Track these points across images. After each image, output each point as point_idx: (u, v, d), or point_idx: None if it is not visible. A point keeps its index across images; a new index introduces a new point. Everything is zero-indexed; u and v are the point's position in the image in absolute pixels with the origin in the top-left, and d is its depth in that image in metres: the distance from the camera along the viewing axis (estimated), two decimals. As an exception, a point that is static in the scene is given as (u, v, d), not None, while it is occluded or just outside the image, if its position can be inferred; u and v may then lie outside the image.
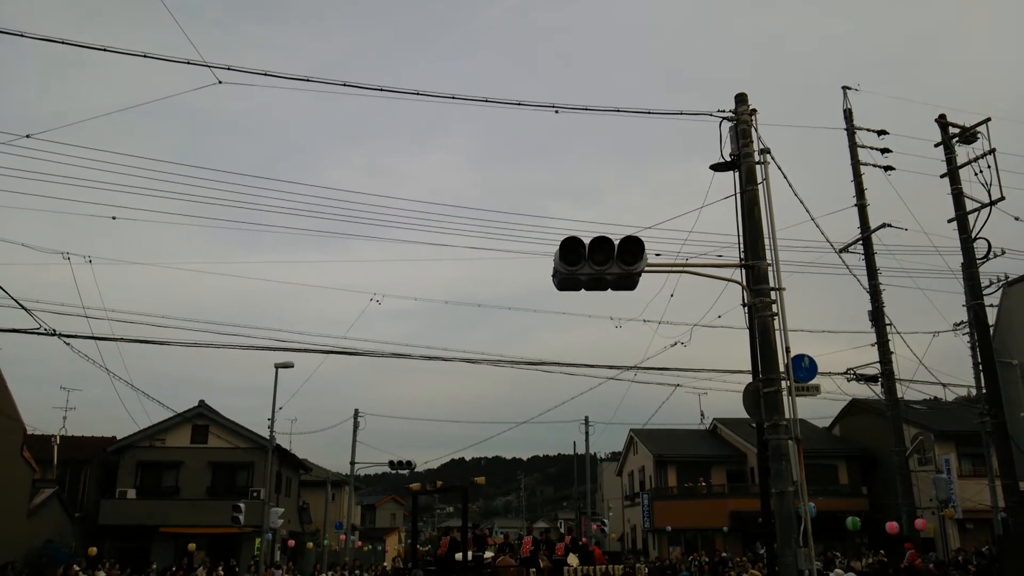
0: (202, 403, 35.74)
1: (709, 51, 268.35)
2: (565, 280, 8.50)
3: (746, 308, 9.32)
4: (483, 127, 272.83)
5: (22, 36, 8.54)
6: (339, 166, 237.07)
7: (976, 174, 16.07)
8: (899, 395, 17.99)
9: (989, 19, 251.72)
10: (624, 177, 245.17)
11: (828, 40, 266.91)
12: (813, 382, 10.53)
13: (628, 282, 8.58)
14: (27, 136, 11.99)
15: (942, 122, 16.89)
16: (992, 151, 15.88)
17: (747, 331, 9.64)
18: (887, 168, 18.42)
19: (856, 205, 18.49)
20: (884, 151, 18.41)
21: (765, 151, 9.42)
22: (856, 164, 18.53)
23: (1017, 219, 16.72)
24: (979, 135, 16.19)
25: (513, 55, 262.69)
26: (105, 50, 9.06)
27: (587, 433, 43.02)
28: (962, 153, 16.46)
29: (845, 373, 18.22)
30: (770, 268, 9.04)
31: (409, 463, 35.06)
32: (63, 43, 8.71)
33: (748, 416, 9.43)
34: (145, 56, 9.09)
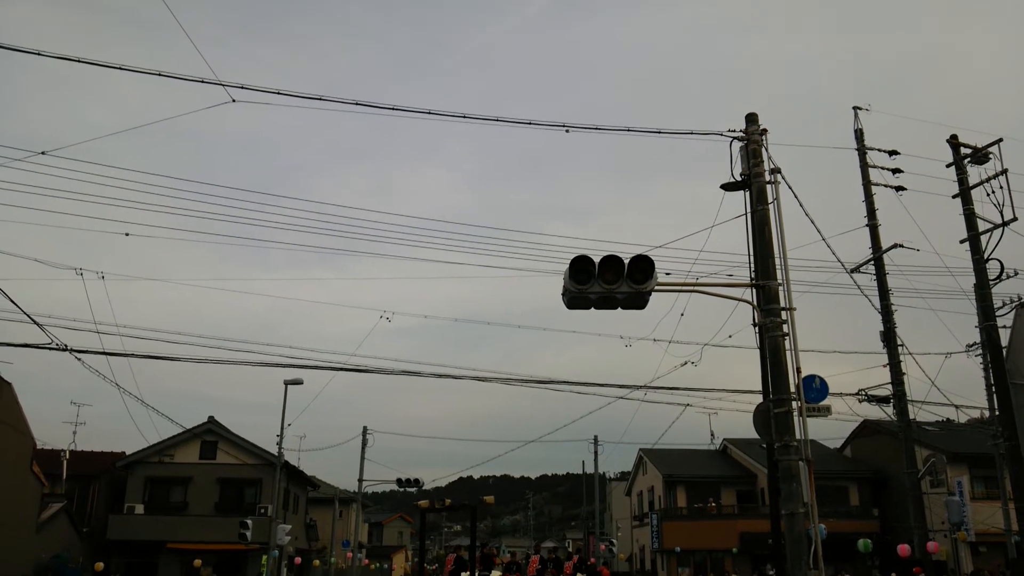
0: (211, 419, 35.79)
1: (706, 73, 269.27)
2: (575, 298, 8.50)
3: (757, 328, 9.28)
4: (480, 147, 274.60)
5: (39, 55, 8.64)
6: (337, 184, 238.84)
7: (988, 194, 16.00)
8: (911, 416, 17.84)
9: (991, 40, 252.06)
10: (625, 196, 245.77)
11: (830, 61, 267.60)
12: (824, 403, 10.46)
13: (638, 301, 8.57)
14: (43, 153, 12.10)
15: (954, 142, 16.85)
16: (1004, 171, 15.82)
17: (758, 351, 9.60)
18: (898, 188, 18.37)
19: (867, 225, 18.44)
20: (895, 171, 18.37)
21: (776, 171, 9.41)
22: (867, 184, 18.49)
23: (1029, 240, 16.62)
24: (991, 155, 16.13)
25: (505, 77, 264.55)
26: (121, 68, 9.17)
27: (596, 452, 42.83)
28: (974, 173, 16.41)
29: (856, 394, 18.09)
30: (781, 288, 9.01)
31: (417, 481, 35.00)
32: (79, 61, 8.81)
33: (758, 436, 9.38)
34: (160, 75, 9.19)
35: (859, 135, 18.70)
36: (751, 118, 9.64)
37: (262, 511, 33.30)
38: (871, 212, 18.44)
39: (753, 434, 9.67)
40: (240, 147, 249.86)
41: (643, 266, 8.32)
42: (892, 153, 18.45)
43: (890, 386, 17.58)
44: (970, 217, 16.19)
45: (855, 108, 18.71)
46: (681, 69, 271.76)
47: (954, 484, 25.13)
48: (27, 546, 25.73)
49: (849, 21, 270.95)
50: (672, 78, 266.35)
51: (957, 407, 20.26)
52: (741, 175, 9.60)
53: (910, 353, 17.63)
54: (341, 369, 18.20)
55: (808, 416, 8.92)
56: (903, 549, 21.02)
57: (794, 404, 8.65)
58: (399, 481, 35.21)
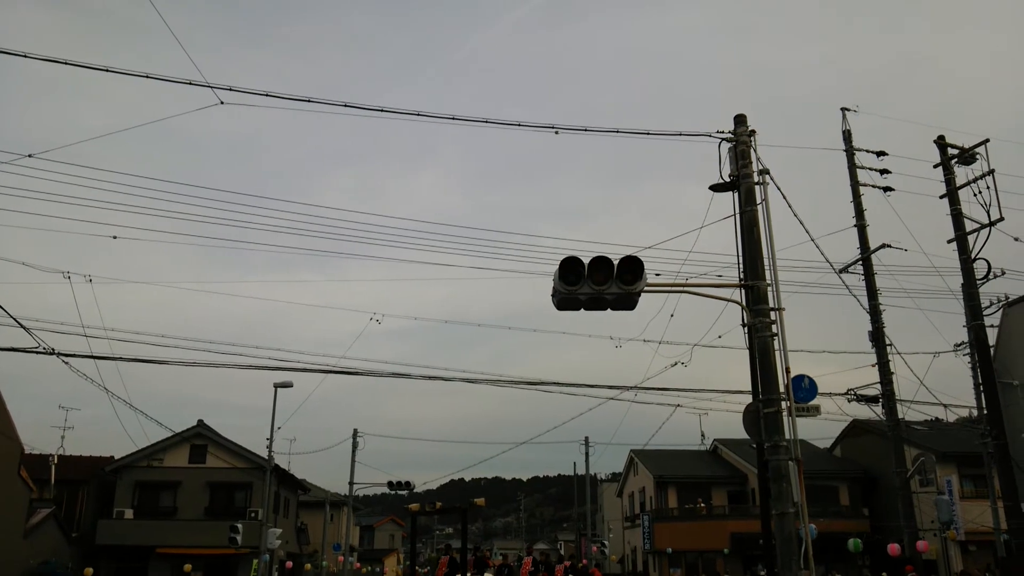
0: (201, 423, 35.63)
1: (698, 75, 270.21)
2: (564, 300, 8.50)
3: (746, 328, 9.30)
4: (471, 149, 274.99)
5: (25, 56, 8.59)
6: (327, 187, 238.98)
7: (975, 195, 16.11)
8: (900, 416, 17.92)
9: (980, 42, 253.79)
10: (616, 198, 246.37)
11: (821, 64, 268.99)
12: (813, 402, 10.49)
13: (628, 302, 8.58)
14: (29, 156, 12.03)
15: (941, 143, 16.96)
16: (991, 172, 15.93)
17: (747, 351, 9.62)
18: (886, 189, 18.46)
19: (856, 226, 18.51)
20: (883, 172, 18.46)
21: (764, 172, 9.44)
22: (855, 185, 18.56)
23: (1017, 239, 16.74)
24: (978, 156, 16.24)
25: (498, 80, 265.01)
26: (108, 70, 9.12)
27: (587, 454, 42.90)
28: (961, 174, 16.51)
29: (845, 394, 18.15)
30: (770, 288, 9.03)
31: (408, 483, 34.99)
32: (66, 63, 8.76)
33: (748, 437, 9.40)
34: (147, 77, 9.15)
35: (847, 136, 18.78)
36: (739, 119, 9.67)
37: (252, 515, 33.18)
38: (859, 212, 18.51)
39: (743, 434, 9.69)
40: (229, 150, 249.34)
41: (632, 267, 8.32)
42: (880, 154, 18.53)
43: (879, 386, 17.65)
44: (957, 217, 16.30)
45: (843, 109, 18.79)
46: (673, 71, 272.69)
47: (943, 483, 25.24)
48: (15, 552, 25.55)
49: (841, 23, 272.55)
50: (664, 80, 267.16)
51: (946, 406, 20.33)
52: (730, 176, 9.63)
53: (899, 353, 17.71)
54: (331, 371, 18.14)
55: (797, 416, 8.95)
56: (893, 548, 21.08)
57: (783, 404, 8.67)
58: (390, 484, 35.20)
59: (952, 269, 16.60)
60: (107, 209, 14.63)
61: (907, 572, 19.66)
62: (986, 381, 15.84)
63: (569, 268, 8.30)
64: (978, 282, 15.91)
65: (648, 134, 10.37)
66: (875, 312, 17.91)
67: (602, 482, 61.77)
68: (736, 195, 9.55)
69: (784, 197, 10.18)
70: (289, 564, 38.03)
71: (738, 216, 9.49)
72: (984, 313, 16.17)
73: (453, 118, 10.36)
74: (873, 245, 18.14)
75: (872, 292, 18.04)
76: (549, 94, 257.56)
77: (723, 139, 9.68)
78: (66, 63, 8.78)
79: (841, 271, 17.95)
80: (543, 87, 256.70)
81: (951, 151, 16.72)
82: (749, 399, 9.61)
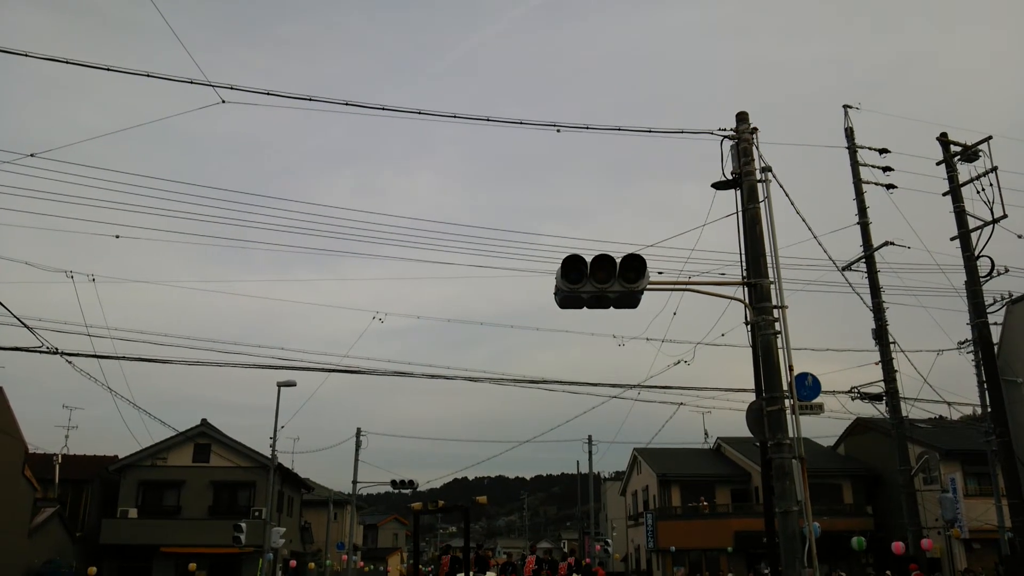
0: (204, 422, 35.66)
1: (697, 78, 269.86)
2: (567, 298, 8.50)
3: (749, 326, 9.29)
4: (472, 149, 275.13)
5: (26, 55, 8.59)
6: (328, 186, 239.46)
7: (978, 192, 16.07)
8: (904, 414, 17.88)
9: (982, 40, 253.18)
10: (618, 197, 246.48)
11: (818, 63, 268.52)
12: (816, 400, 10.46)
13: (630, 300, 8.57)
14: (31, 155, 12.04)
15: (944, 140, 16.91)
16: (994, 169, 15.88)
17: (750, 349, 9.60)
18: (889, 186, 18.41)
19: (858, 223, 18.47)
20: (886, 169, 18.41)
21: (767, 169, 9.42)
22: (858, 182, 18.52)
23: (1020, 237, 16.68)
24: (981, 153, 16.19)
25: (496, 80, 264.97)
26: (109, 69, 9.12)
27: (590, 452, 42.78)
28: (964, 171, 16.46)
29: (849, 392, 18.13)
30: (772, 286, 9.01)
31: (411, 482, 34.99)
32: (68, 63, 8.76)
33: (752, 435, 9.38)
34: (148, 76, 9.15)
35: (849, 133, 18.73)
36: (741, 117, 9.64)
37: (256, 514, 33.21)
38: (862, 210, 18.47)
39: (747, 432, 9.67)
40: (230, 149, 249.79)
41: (635, 265, 8.32)
42: (882, 151, 18.48)
43: (882, 384, 17.62)
44: (960, 214, 16.25)
45: (845, 107, 18.74)
46: (673, 71, 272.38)
47: (947, 481, 25.19)
48: (20, 551, 25.61)
49: (841, 23, 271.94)
50: (664, 80, 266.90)
51: (949, 404, 20.34)
52: (732, 174, 9.61)
53: (902, 351, 17.67)
54: (334, 370, 18.16)
55: (801, 414, 8.93)
56: (897, 547, 21.05)
57: (787, 402, 8.65)
58: (393, 483, 35.20)
59: (955, 267, 16.57)
60: (109, 208, 14.65)
61: (911, 570, 19.61)
62: (990, 379, 15.80)
63: (572, 266, 8.30)
64: (981, 279, 15.87)
65: (650, 132, 10.37)
66: (878, 310, 17.87)
67: (605, 481, 61.74)
68: (738, 193, 9.53)
69: (787, 195, 10.18)
70: (293, 563, 38.07)
71: (740, 214, 9.47)
72: (988, 310, 16.13)
73: (455, 116, 10.36)
74: (876, 243, 18.09)
75: (875, 290, 18.00)
76: (549, 94, 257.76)
77: (725, 137, 9.66)
78: (67, 62, 8.79)
79: (844, 269, 17.92)
80: (543, 86, 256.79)
81: (954, 148, 16.67)
82: (752, 397, 9.59)
